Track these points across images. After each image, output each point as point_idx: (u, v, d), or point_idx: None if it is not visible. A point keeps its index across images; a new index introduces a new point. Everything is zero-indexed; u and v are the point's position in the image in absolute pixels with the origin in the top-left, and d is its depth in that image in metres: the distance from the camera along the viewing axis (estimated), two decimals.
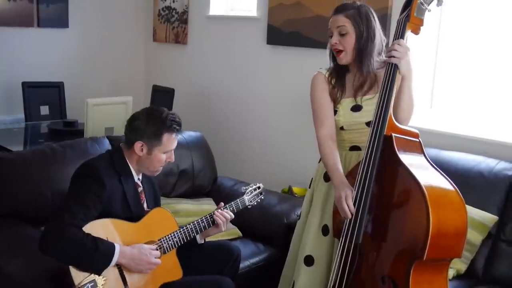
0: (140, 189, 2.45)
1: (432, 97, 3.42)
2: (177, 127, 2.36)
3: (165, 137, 2.32)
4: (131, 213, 2.34)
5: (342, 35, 2.28)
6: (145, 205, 2.45)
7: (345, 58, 2.31)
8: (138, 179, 2.45)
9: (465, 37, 3.32)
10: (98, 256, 2.12)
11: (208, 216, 2.47)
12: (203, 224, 2.46)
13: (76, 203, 2.16)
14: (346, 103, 2.36)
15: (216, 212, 2.47)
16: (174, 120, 2.35)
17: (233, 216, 2.52)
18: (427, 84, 3.39)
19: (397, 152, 2.05)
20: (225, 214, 2.47)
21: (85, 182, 2.23)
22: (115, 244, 2.18)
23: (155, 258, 2.26)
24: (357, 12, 2.27)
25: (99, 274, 2.15)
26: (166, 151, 2.35)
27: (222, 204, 2.51)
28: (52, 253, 2.13)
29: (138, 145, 2.32)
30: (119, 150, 2.40)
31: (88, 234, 2.12)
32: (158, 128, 2.31)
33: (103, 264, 2.15)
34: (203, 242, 2.52)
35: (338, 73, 2.38)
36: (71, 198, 2.20)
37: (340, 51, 2.30)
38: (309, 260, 2.44)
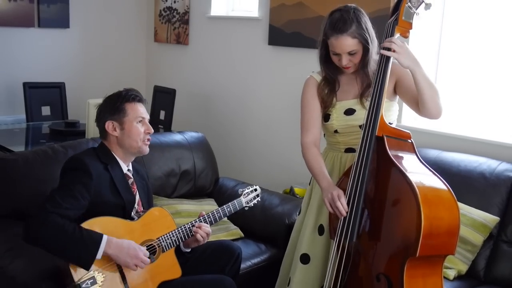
0: (131, 180, 2.45)
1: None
2: (135, 94, 2.42)
3: (127, 106, 2.38)
4: (122, 199, 2.34)
5: (351, 54, 2.26)
6: (137, 196, 2.45)
7: (353, 69, 2.32)
8: (129, 170, 2.45)
9: (467, 38, 3.32)
10: (82, 245, 2.10)
11: (206, 216, 2.48)
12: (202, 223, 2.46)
13: (62, 194, 2.17)
14: (339, 106, 2.36)
15: (196, 228, 2.42)
16: (129, 90, 2.42)
17: (210, 231, 2.47)
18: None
19: (389, 153, 2.08)
20: (204, 229, 2.43)
21: (71, 175, 2.24)
22: (103, 235, 2.16)
23: (145, 257, 2.24)
24: (357, 25, 2.22)
25: (87, 268, 2.12)
26: (137, 119, 2.37)
27: (203, 213, 2.50)
28: (35, 241, 2.12)
29: (109, 126, 2.36)
30: (102, 144, 2.43)
31: (71, 223, 2.11)
32: (117, 101, 2.38)
33: (89, 254, 2.12)
34: (188, 251, 2.51)
35: (330, 79, 2.38)
36: (57, 190, 2.21)
37: (350, 67, 2.30)
38: (305, 258, 2.46)
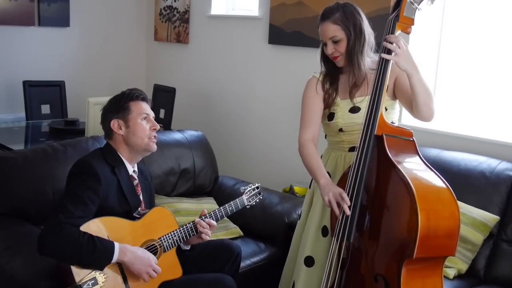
0: (136, 182, 2.44)
1: (434, 97, 3.42)
2: (139, 93, 2.42)
3: (131, 104, 2.38)
4: (128, 205, 2.34)
5: (335, 42, 2.29)
6: (141, 198, 2.45)
7: (342, 61, 2.34)
8: (134, 171, 2.45)
9: (467, 37, 3.32)
10: (96, 255, 2.11)
11: (207, 215, 2.47)
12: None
13: (73, 202, 2.16)
14: (344, 105, 2.36)
15: (199, 224, 2.43)
16: (133, 89, 2.43)
17: (215, 224, 2.48)
18: (429, 84, 3.38)
19: (388, 152, 2.06)
20: (211, 222, 2.45)
21: (80, 179, 2.23)
22: (114, 243, 2.17)
23: (157, 265, 2.26)
24: (343, 14, 2.28)
25: (101, 270, 2.15)
26: (141, 116, 2.37)
27: (205, 211, 2.49)
28: (50, 253, 2.12)
29: (114, 124, 2.36)
30: (107, 145, 2.42)
31: (85, 233, 2.12)
32: (121, 100, 2.39)
33: (103, 263, 2.15)
34: (188, 248, 2.51)
35: (331, 76, 2.39)
36: (67, 197, 2.20)
37: (337, 56, 2.33)
38: (309, 261, 2.45)
